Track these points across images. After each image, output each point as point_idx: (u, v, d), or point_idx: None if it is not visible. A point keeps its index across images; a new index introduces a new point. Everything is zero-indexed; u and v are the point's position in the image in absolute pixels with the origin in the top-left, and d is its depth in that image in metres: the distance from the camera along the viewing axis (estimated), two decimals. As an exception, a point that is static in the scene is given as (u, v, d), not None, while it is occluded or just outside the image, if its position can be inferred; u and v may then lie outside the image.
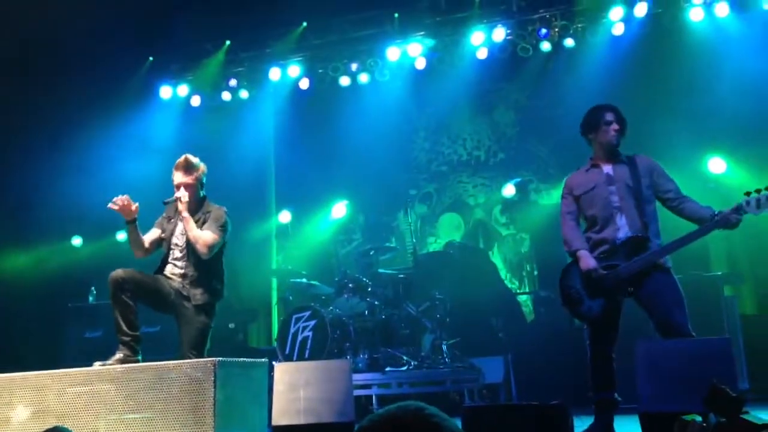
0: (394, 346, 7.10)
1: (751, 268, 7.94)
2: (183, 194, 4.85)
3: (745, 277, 7.77)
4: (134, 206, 4.76)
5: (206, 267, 4.84)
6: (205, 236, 4.78)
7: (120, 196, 4.73)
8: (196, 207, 4.94)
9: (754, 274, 7.91)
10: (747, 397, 5.72)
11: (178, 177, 4.91)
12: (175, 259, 4.89)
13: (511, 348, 7.45)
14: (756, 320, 7.30)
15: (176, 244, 4.92)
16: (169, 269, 4.88)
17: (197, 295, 4.77)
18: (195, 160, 4.98)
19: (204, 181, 5.00)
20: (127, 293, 4.59)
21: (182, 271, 4.83)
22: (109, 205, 4.72)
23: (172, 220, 4.98)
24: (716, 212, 4.23)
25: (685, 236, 4.26)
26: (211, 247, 4.76)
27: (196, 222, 4.84)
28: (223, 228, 4.86)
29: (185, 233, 4.86)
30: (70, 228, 9.48)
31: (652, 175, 4.50)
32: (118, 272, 4.61)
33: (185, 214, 4.81)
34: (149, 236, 4.97)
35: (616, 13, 8.19)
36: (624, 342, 4.40)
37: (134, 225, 4.80)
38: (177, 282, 4.80)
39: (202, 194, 5.00)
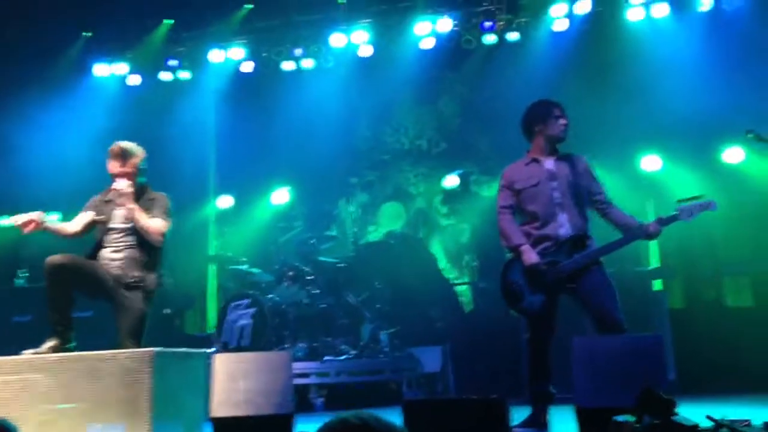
0: (333, 335, 7.11)
1: (681, 263, 8.22)
2: (122, 185, 4.66)
3: (676, 271, 8.04)
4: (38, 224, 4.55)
5: (148, 255, 4.72)
6: (156, 225, 4.68)
7: (20, 218, 4.51)
8: (137, 195, 4.76)
9: (684, 268, 8.19)
10: (673, 388, 5.97)
11: (115, 166, 4.73)
12: (115, 245, 4.72)
13: (449, 338, 7.55)
14: (684, 314, 7.56)
15: (116, 229, 4.74)
16: (106, 254, 4.70)
17: (140, 282, 4.64)
18: (130, 146, 4.78)
19: (143, 167, 4.82)
20: (64, 281, 4.44)
21: (123, 259, 4.66)
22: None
23: (110, 204, 4.78)
24: (642, 223, 4.43)
25: (619, 240, 4.45)
26: (164, 234, 4.70)
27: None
28: (169, 214, 4.78)
29: (130, 221, 4.70)
30: (-4, 207, 9.13)
31: (587, 177, 4.61)
32: (56, 258, 4.44)
33: (131, 205, 4.65)
34: (82, 219, 4.79)
35: (558, 9, 8.32)
36: (562, 335, 4.50)
37: (45, 228, 4.63)
38: (116, 269, 4.64)
39: (142, 181, 4.83)
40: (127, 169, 4.72)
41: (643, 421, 2.36)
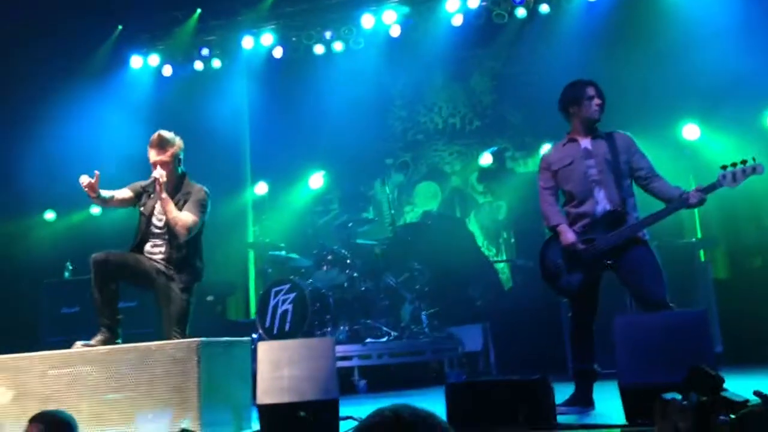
0: (374, 318, 7.14)
1: (723, 233, 8.06)
2: (160, 173, 4.66)
3: (718, 241, 7.89)
4: (93, 181, 4.59)
5: (189, 247, 4.75)
6: (184, 218, 4.65)
7: (86, 179, 4.58)
8: (175, 185, 4.79)
9: (726, 238, 8.04)
10: (721, 360, 5.87)
11: (153, 155, 4.72)
12: (156, 238, 4.78)
13: (489, 316, 7.54)
14: (729, 284, 7.44)
15: (156, 225, 4.79)
16: (148, 248, 4.78)
17: (182, 276, 4.70)
18: (169, 135, 4.77)
19: (181, 156, 4.81)
20: (110, 276, 4.55)
21: (165, 253, 4.73)
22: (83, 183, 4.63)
23: (152, 197, 4.83)
24: (683, 192, 4.30)
25: (657, 213, 4.35)
26: (190, 229, 4.65)
27: (176, 203, 4.70)
28: (203, 208, 4.74)
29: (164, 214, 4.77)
30: (42, 202, 9.33)
31: (628, 152, 4.54)
32: (101, 256, 4.53)
33: (164, 195, 4.65)
34: (118, 193, 4.83)
35: (590, -23, 8.17)
36: (606, 310, 4.46)
37: (99, 198, 4.68)
38: (160, 263, 4.71)
39: (180, 171, 4.83)
40: (165, 158, 4.70)
41: (690, 398, 2.32)
